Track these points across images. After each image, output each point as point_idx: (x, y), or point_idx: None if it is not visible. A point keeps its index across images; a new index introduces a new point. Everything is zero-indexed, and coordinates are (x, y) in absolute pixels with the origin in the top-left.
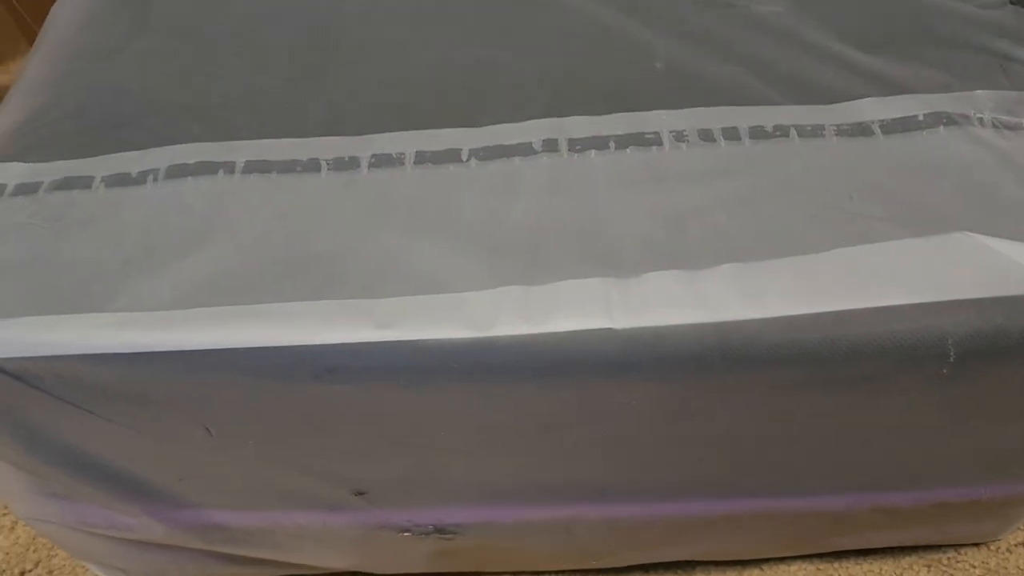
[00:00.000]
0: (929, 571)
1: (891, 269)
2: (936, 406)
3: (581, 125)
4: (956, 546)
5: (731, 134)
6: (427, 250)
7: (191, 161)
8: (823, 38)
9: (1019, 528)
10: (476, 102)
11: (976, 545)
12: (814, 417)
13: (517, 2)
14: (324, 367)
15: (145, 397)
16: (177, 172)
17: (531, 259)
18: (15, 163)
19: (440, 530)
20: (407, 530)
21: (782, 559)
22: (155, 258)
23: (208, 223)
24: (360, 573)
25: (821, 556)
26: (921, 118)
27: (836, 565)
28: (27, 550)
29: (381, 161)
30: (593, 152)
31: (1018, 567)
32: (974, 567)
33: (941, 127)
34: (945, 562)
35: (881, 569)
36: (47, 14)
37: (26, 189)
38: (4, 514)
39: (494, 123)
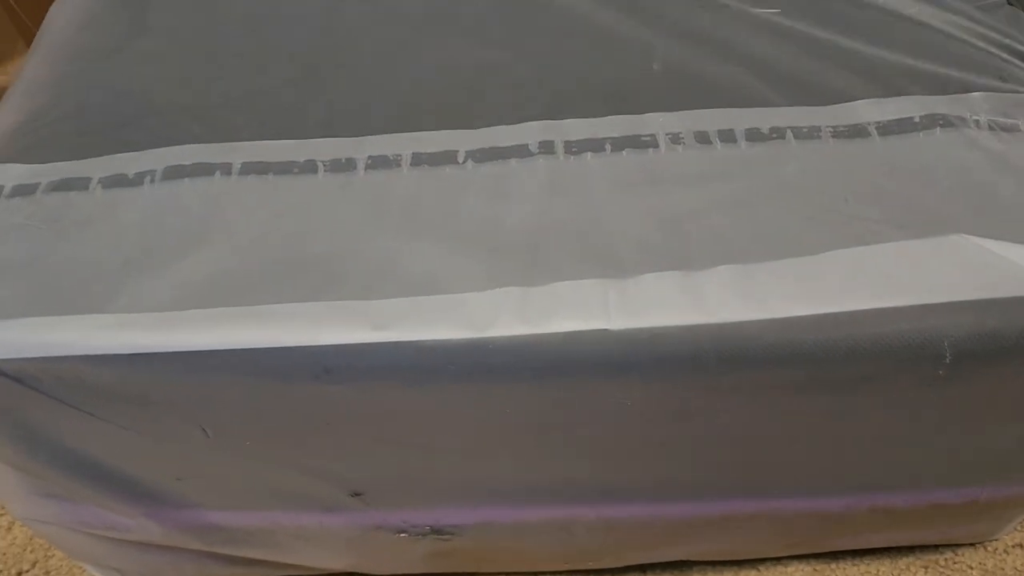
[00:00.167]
0: (926, 572)
1: (887, 271)
2: (933, 407)
3: (577, 127)
4: (953, 546)
5: (727, 136)
6: (425, 251)
7: (188, 162)
8: (821, 39)
9: (1016, 529)
10: (474, 103)
11: (973, 545)
12: (810, 418)
13: (515, 3)
14: (323, 368)
15: (144, 398)
16: (174, 173)
17: (529, 260)
18: (13, 164)
19: (437, 531)
20: (404, 531)
21: (779, 559)
22: (153, 259)
23: (205, 224)
24: (357, 574)
25: (818, 556)
26: (917, 120)
27: (833, 566)
28: (24, 551)
29: (378, 163)
30: (589, 154)
31: (1015, 568)
32: (971, 568)
33: (937, 129)
34: (942, 563)
35: (878, 570)
36: (45, 14)
37: (24, 190)
38: (1, 514)
39: (491, 125)
